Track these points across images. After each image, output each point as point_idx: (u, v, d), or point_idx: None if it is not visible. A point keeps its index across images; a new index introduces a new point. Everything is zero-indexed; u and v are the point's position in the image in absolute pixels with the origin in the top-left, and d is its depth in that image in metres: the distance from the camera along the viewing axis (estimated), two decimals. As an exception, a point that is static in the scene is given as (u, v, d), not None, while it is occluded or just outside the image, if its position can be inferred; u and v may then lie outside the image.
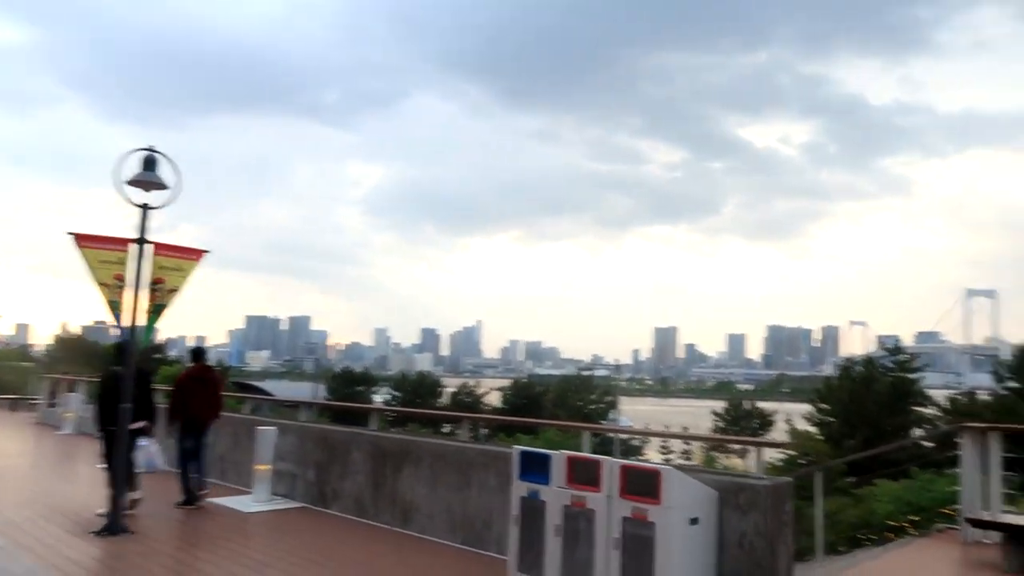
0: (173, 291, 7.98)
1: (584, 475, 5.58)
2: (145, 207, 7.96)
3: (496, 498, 6.95)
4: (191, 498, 8.93)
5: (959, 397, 45.73)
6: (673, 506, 5.07)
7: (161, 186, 7.96)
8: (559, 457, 5.76)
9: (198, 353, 10.01)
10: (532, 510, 5.85)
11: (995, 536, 7.89)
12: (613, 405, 61.83)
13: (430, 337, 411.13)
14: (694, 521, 5.23)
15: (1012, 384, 41.11)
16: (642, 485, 5.22)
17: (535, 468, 5.90)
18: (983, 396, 42.38)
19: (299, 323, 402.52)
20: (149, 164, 8.02)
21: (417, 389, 66.00)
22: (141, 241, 7.88)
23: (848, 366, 48.69)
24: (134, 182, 7.85)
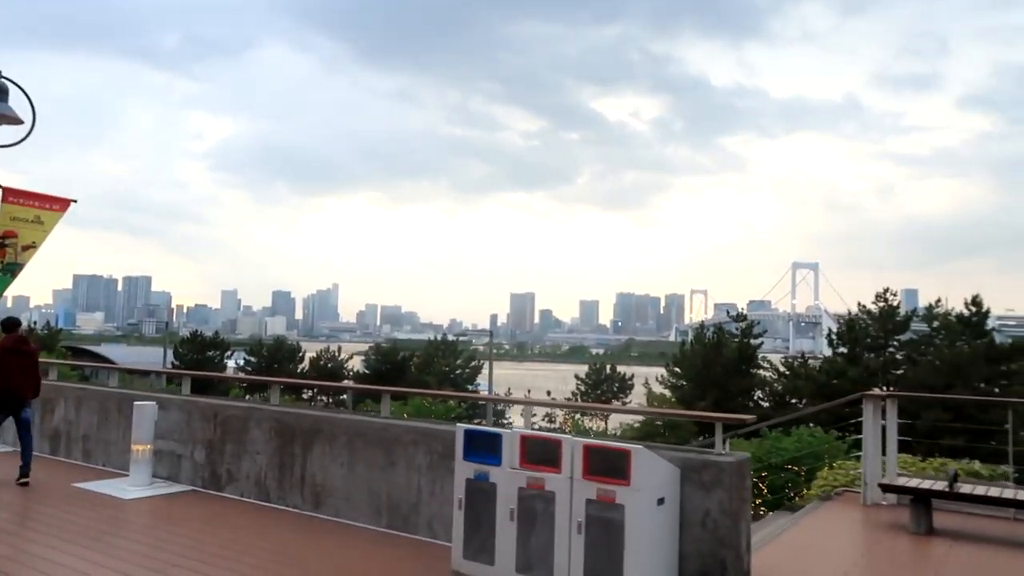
0: (29, 248, 6.76)
1: (541, 455, 5.20)
2: (-5, 145, 6.68)
3: (426, 478, 6.44)
4: None
5: (791, 361, 49.85)
6: (642, 487, 4.79)
7: (14, 120, 6.69)
8: (511, 436, 5.34)
9: (12, 323, 8.70)
10: (480, 493, 5.41)
11: (892, 498, 8.33)
12: (479, 370, 62.08)
13: (283, 300, 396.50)
14: (660, 501, 4.99)
15: (842, 350, 45.11)
16: (608, 465, 4.90)
17: (483, 448, 5.45)
18: (810, 360, 46.51)
19: (137, 284, 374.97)
20: (-3, 93, 6.72)
21: (275, 355, 63.32)
22: (-10, 186, 6.61)
23: (701, 333, 51.67)
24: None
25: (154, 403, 8.22)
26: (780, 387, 46.49)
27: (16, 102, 6.65)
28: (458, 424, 5.66)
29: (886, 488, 7.63)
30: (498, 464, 5.34)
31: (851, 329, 44.41)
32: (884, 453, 8.40)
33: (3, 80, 6.58)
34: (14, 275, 6.67)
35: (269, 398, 8.92)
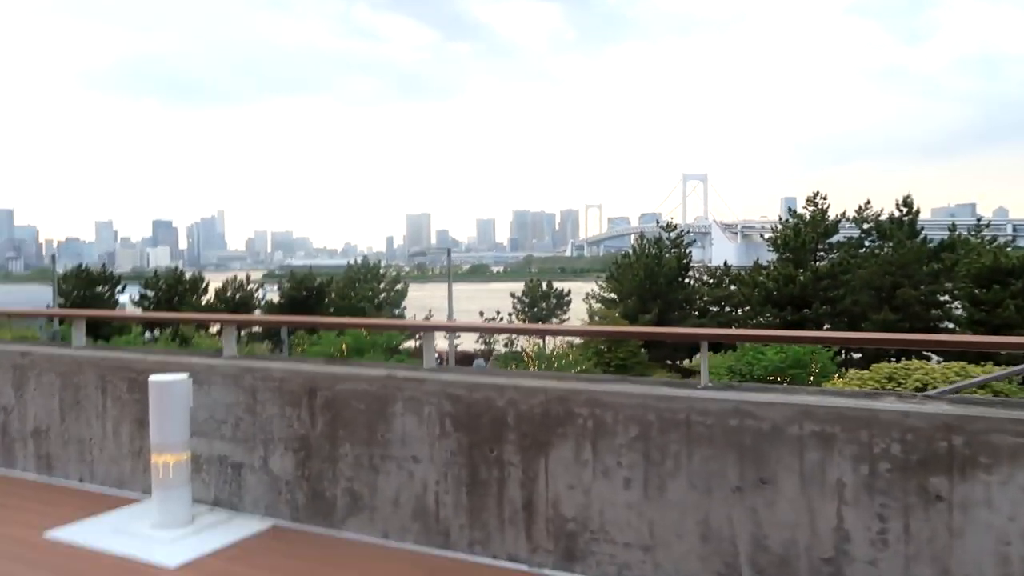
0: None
1: None
2: None
3: (859, 509, 3.18)
4: None
5: (715, 270, 49.99)
6: None
7: None
8: None
9: None
10: None
11: None
12: (404, 294, 58.26)
13: (165, 230, 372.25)
14: None
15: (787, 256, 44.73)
16: None
17: None
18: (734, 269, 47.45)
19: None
20: None
21: (175, 287, 57.52)
22: None
23: (641, 244, 50.47)
24: None
25: (186, 375, 4.50)
26: (707, 296, 46.09)
27: None
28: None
29: None
30: None
31: (797, 234, 43.85)
32: None
33: None
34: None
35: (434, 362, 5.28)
